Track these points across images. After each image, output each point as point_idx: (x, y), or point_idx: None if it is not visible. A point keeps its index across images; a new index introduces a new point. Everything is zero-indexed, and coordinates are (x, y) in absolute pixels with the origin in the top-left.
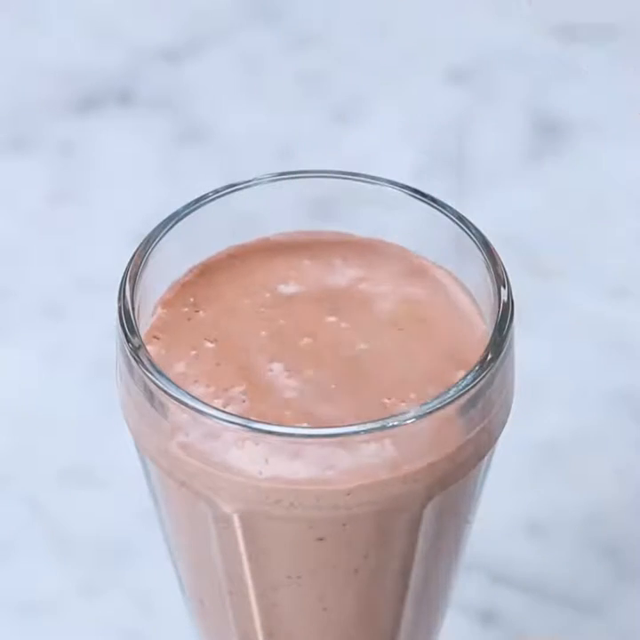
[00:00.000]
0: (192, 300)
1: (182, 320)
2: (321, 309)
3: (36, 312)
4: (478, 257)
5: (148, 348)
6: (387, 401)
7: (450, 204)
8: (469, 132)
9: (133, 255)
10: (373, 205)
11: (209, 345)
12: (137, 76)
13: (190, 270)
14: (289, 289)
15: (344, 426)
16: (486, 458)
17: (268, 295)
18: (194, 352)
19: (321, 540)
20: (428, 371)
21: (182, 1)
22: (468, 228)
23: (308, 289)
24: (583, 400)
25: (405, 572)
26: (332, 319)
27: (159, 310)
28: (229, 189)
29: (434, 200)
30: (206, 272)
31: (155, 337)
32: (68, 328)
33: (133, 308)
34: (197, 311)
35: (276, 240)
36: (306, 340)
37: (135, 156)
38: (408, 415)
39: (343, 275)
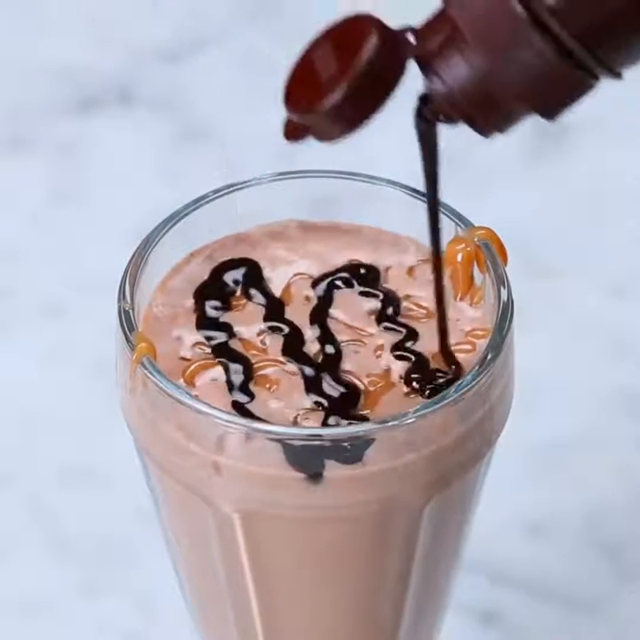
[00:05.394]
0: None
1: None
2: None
3: (36, 312)
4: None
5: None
6: None
7: (450, 203)
8: (469, 131)
9: (133, 255)
10: (373, 205)
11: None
12: (137, 76)
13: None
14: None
15: (344, 426)
16: (486, 458)
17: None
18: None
19: (321, 540)
20: None
21: (182, 1)
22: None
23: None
24: (583, 400)
25: (405, 572)
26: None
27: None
28: (229, 189)
29: None
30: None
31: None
32: (68, 328)
33: (133, 308)
34: None
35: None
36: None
37: (135, 156)
38: (408, 415)
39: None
